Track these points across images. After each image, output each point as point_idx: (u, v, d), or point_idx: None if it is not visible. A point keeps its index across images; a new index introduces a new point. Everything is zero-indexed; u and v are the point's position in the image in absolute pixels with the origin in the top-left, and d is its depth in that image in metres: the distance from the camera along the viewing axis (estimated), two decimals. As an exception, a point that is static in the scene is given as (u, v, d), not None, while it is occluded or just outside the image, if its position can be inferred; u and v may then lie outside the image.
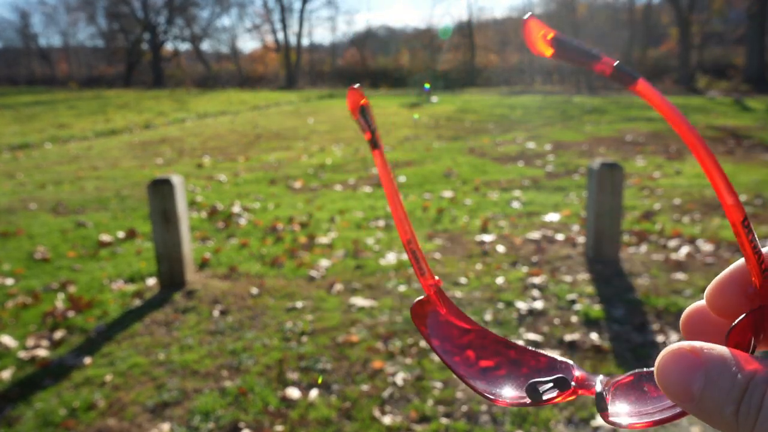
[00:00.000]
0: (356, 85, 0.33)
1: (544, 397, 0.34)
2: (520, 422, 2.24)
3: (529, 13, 0.26)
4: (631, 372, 0.34)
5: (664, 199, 5.50)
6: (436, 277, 0.39)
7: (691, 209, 5.08)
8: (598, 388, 0.33)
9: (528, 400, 0.34)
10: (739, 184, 6.06)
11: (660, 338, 2.83)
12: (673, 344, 0.25)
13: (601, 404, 0.32)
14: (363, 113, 0.33)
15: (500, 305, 3.21)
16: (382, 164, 0.34)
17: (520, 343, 0.38)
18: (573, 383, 0.34)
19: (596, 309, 3.14)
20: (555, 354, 0.37)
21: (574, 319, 3.05)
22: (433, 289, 0.39)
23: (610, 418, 0.31)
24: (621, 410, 0.32)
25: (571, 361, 0.37)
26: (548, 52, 0.26)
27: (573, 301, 3.25)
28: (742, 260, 0.29)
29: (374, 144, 0.34)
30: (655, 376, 0.25)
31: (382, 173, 0.35)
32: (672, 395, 0.24)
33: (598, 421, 2.23)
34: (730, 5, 28.54)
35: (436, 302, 0.39)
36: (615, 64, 0.26)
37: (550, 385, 0.34)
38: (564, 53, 0.26)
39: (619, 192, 3.77)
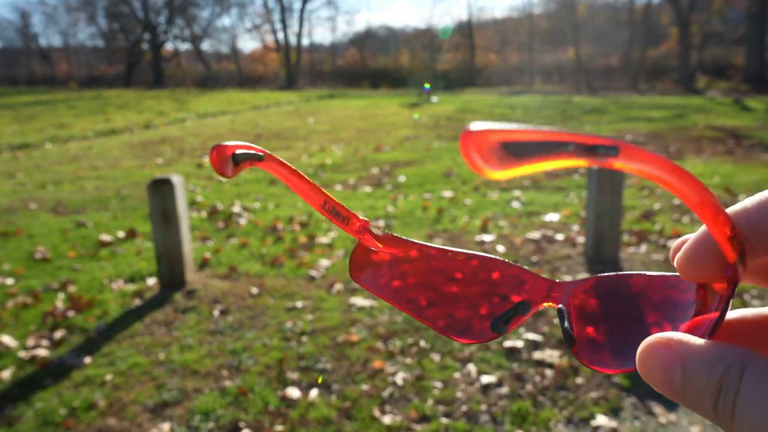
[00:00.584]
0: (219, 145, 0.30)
1: (509, 328, 0.33)
2: (520, 422, 2.24)
3: (469, 126, 0.19)
4: (584, 279, 0.33)
5: (664, 199, 5.51)
6: (362, 218, 0.37)
7: (690, 209, 5.08)
8: (565, 324, 0.31)
9: (493, 335, 0.33)
10: (738, 184, 6.06)
11: (660, 338, 2.83)
12: (651, 336, 0.25)
13: (569, 338, 0.31)
14: (239, 158, 0.30)
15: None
16: (276, 165, 0.33)
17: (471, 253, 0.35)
18: (531, 303, 0.33)
19: (596, 309, 3.14)
20: (499, 258, 0.35)
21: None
22: (363, 231, 0.37)
23: (580, 358, 0.31)
24: (588, 345, 0.31)
25: (518, 266, 0.35)
26: (498, 173, 0.20)
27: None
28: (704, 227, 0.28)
29: (258, 158, 0.32)
30: (637, 366, 0.25)
31: (278, 171, 0.33)
32: (655, 387, 0.24)
33: (598, 420, 2.23)
34: (730, 5, 28.55)
35: (370, 241, 0.37)
36: (591, 144, 0.21)
37: (512, 313, 0.33)
38: (522, 158, 0.20)
39: (619, 192, 3.77)
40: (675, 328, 0.28)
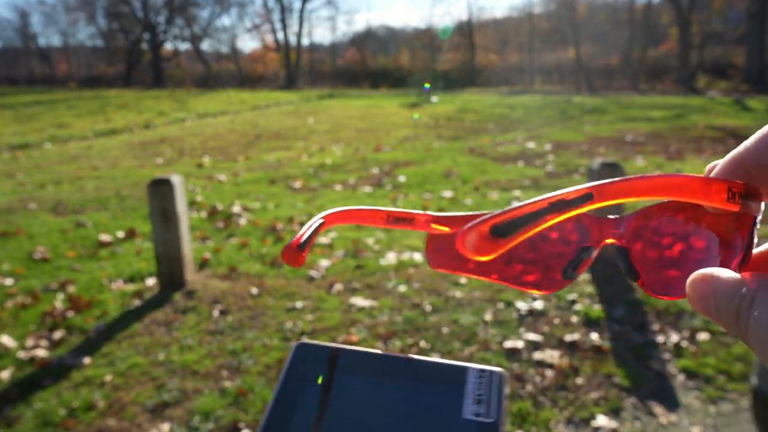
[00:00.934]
0: (288, 247, 0.32)
1: (579, 272, 0.35)
2: (520, 422, 2.24)
3: (464, 227, 0.22)
4: (635, 212, 0.34)
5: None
6: (422, 212, 0.39)
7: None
8: (626, 259, 0.33)
9: (565, 282, 0.36)
10: (739, 184, 6.06)
11: (660, 338, 2.83)
12: (695, 272, 0.29)
13: (632, 273, 0.33)
14: (304, 245, 0.33)
15: (500, 305, 3.21)
16: (336, 216, 0.36)
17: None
18: (593, 247, 0.35)
19: (596, 309, 3.14)
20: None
21: (574, 319, 3.05)
22: (429, 223, 0.39)
23: (646, 289, 0.33)
24: (651, 276, 0.33)
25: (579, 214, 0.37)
26: (493, 255, 0.23)
27: (573, 301, 3.25)
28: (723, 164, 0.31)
29: (319, 227, 0.34)
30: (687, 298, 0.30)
31: (340, 218, 0.36)
32: (701, 314, 0.29)
33: (599, 421, 2.23)
34: (730, 5, 28.55)
35: (437, 230, 0.40)
36: (568, 199, 0.24)
37: (579, 259, 0.35)
38: (512, 234, 0.23)
39: (619, 192, 3.77)
40: (717, 251, 0.31)
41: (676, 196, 0.27)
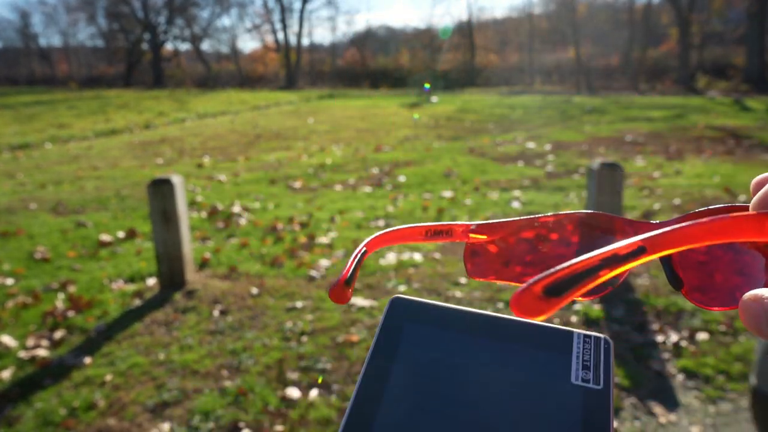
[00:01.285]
0: (333, 287, 0.33)
1: (619, 281, 0.35)
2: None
3: (518, 290, 0.22)
4: (675, 218, 0.33)
5: (664, 199, 5.51)
6: (460, 222, 0.39)
7: (690, 209, 5.08)
8: (669, 267, 0.32)
9: (607, 288, 0.36)
10: (738, 184, 6.06)
11: (660, 338, 2.83)
12: (749, 293, 0.29)
13: (675, 281, 0.33)
14: (351, 280, 0.33)
15: (500, 305, 3.21)
16: (378, 240, 0.36)
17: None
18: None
19: (596, 309, 3.14)
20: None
21: (573, 318, 3.05)
22: (467, 233, 0.39)
23: (690, 298, 0.33)
24: (694, 285, 0.33)
25: (612, 216, 0.35)
26: (550, 313, 0.23)
27: (573, 301, 3.25)
28: None
29: (363, 255, 0.34)
30: (739, 316, 0.30)
31: (383, 241, 0.36)
32: (752, 332, 0.29)
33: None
34: (730, 5, 28.55)
35: (476, 239, 0.39)
36: (622, 254, 0.23)
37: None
38: (566, 293, 0.23)
39: (619, 192, 3.77)
40: (765, 266, 0.31)
41: (732, 239, 0.26)
